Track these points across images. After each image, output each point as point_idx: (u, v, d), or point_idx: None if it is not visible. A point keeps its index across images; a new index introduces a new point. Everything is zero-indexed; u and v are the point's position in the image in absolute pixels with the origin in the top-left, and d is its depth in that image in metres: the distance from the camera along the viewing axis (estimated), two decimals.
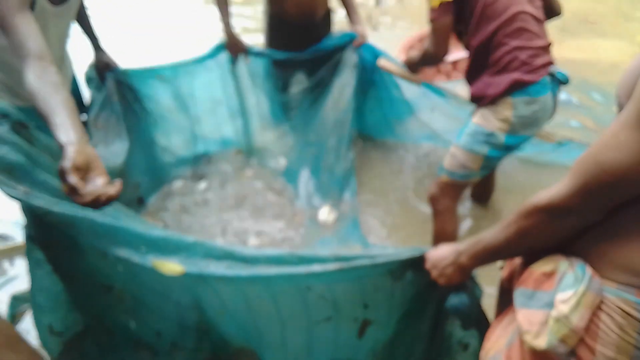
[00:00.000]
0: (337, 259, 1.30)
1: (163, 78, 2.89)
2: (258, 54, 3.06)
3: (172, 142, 3.15)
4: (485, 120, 2.07)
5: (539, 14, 2.11)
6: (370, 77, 3.18)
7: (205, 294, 1.50)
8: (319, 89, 3.15)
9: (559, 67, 2.10)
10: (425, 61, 2.40)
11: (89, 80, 2.63)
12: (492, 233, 1.11)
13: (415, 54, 2.50)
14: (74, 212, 1.31)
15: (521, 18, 2.00)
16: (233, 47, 2.96)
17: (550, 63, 2.07)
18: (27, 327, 2.11)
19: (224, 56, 3.01)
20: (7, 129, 1.43)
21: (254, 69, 3.13)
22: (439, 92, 3.00)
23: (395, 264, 1.32)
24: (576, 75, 4.20)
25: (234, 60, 3.03)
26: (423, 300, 1.42)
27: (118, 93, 2.60)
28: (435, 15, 2.08)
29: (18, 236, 2.66)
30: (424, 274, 1.32)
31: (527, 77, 1.96)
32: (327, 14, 3.15)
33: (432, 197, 2.37)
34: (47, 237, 1.57)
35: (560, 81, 2.09)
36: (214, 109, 3.23)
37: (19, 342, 1.49)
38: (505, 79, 1.98)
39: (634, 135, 0.82)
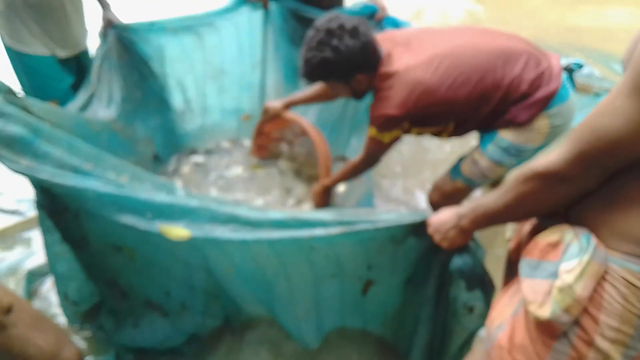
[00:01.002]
0: (340, 222, 1.31)
1: (171, 31, 2.75)
2: (280, 1, 2.97)
3: (181, 104, 3.04)
4: (519, 136, 1.90)
5: (518, 40, 1.93)
6: None
7: (213, 253, 1.53)
8: None
9: (571, 57, 1.96)
10: (353, 175, 2.31)
11: (101, 38, 2.63)
12: (493, 197, 1.11)
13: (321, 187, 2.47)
14: (78, 183, 1.31)
15: (512, 59, 1.83)
16: None
17: (557, 60, 1.91)
18: (43, 305, 2.20)
19: (243, 10, 2.92)
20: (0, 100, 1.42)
21: (275, 18, 3.04)
22: None
23: (396, 228, 1.32)
24: (597, 47, 4.02)
25: (254, 5, 2.91)
26: (426, 264, 1.43)
27: (117, 49, 2.52)
28: (384, 147, 2.02)
29: (31, 212, 2.68)
30: (425, 238, 1.33)
31: (553, 86, 1.81)
32: None
33: (437, 202, 2.25)
34: (54, 205, 1.59)
35: (573, 70, 1.95)
36: (225, 70, 3.10)
37: (44, 321, 1.52)
38: (535, 103, 1.81)
39: (629, 103, 0.81)
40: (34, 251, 2.47)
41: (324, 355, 1.96)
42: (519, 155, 1.97)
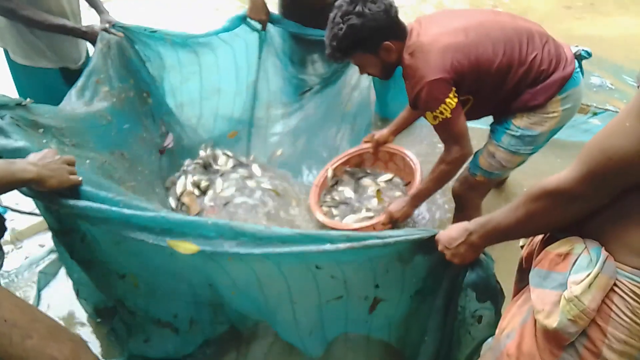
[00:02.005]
0: (348, 239, 1.29)
1: (171, 42, 2.67)
2: (280, 22, 2.89)
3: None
4: (533, 123, 1.93)
5: (529, 24, 1.97)
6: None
7: (216, 273, 1.52)
8: (333, 78, 3.06)
9: (581, 45, 2.00)
10: (449, 175, 2.07)
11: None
12: (503, 214, 1.11)
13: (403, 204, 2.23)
14: (83, 204, 1.33)
15: (526, 33, 1.88)
16: (256, 10, 2.75)
17: (568, 47, 1.97)
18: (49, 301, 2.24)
19: (242, 28, 2.82)
20: (8, 121, 1.47)
21: (274, 39, 3.00)
22: None
23: (404, 244, 1.31)
24: (607, 58, 3.98)
25: (255, 26, 2.84)
26: (436, 279, 1.43)
27: (117, 46, 2.39)
28: (455, 121, 1.87)
29: None
30: (434, 254, 1.33)
31: (569, 69, 1.86)
32: None
33: (460, 195, 2.24)
34: (61, 225, 1.60)
35: (583, 57, 2.01)
36: (221, 89, 3.03)
37: (60, 331, 1.49)
38: (552, 83, 1.85)
39: (638, 124, 0.81)
40: (49, 252, 2.50)
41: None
42: (533, 142, 1.98)
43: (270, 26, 2.90)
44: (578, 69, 1.93)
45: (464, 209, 2.27)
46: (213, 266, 1.46)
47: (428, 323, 1.53)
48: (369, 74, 2.12)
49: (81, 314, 2.19)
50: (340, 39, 1.85)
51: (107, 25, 2.37)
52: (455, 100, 1.84)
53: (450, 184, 2.23)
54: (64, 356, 1.41)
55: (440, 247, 1.28)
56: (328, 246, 1.28)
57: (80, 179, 1.37)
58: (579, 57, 1.98)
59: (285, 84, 3.20)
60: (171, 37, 2.63)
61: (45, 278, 2.38)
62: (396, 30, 1.89)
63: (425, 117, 1.93)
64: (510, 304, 1.25)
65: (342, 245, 1.27)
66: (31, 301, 2.23)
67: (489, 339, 1.39)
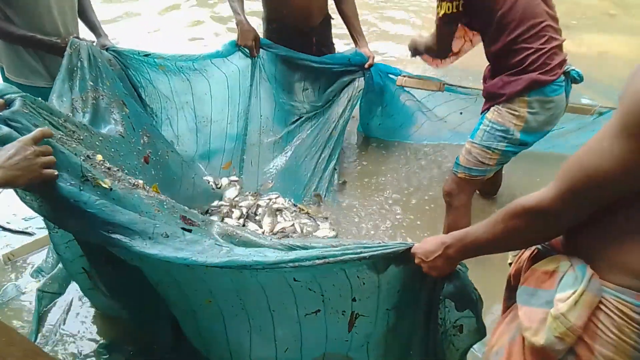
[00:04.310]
0: (324, 255, 1.27)
1: (164, 69, 2.66)
2: (270, 47, 2.91)
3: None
4: (500, 117, 2.02)
5: (554, 12, 2.02)
6: (379, 96, 3.20)
7: (192, 283, 1.50)
8: (325, 107, 3.12)
9: (574, 65, 2.03)
10: (428, 53, 2.49)
11: None
12: (481, 229, 1.10)
13: (421, 41, 2.51)
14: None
15: (541, 21, 1.93)
16: (245, 35, 2.77)
17: (564, 61, 2.00)
18: (50, 330, 2.13)
19: (236, 54, 2.85)
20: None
21: (265, 65, 3.00)
22: (462, 92, 2.96)
23: (379, 257, 1.28)
24: (595, 77, 3.93)
25: (247, 52, 2.85)
26: (413, 291, 1.39)
27: (85, 51, 2.20)
28: (439, 24, 2.14)
29: (40, 232, 2.62)
30: (408, 266, 1.32)
31: (545, 78, 1.91)
32: (326, 19, 3.08)
33: (448, 193, 2.31)
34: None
35: (574, 79, 2.03)
36: (214, 119, 3.02)
37: (37, 355, 1.44)
38: (523, 80, 1.93)
39: (617, 143, 0.81)
40: (43, 271, 2.39)
41: None
42: (504, 138, 2.05)
43: (261, 52, 2.91)
44: (561, 84, 1.96)
45: (452, 208, 2.33)
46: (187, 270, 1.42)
47: (410, 340, 1.49)
48: None
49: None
50: None
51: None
52: (453, 10, 2.02)
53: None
54: None
55: (417, 261, 1.26)
56: (304, 262, 1.26)
57: (55, 173, 1.23)
58: (567, 75, 2.00)
59: (276, 109, 3.20)
60: (164, 60, 2.61)
61: (48, 297, 2.23)
62: None
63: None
64: (499, 321, 1.23)
65: (318, 262, 1.25)
66: (29, 323, 2.12)
67: (474, 349, 1.37)
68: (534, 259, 1.11)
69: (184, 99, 2.84)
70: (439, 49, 2.29)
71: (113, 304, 1.95)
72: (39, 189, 1.26)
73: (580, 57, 4.57)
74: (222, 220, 2.62)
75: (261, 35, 2.97)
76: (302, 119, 3.18)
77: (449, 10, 2.01)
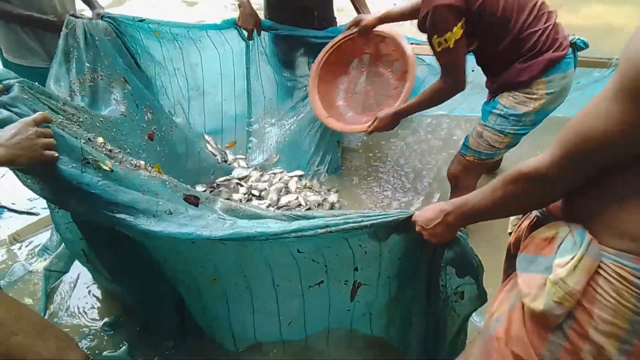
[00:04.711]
0: (326, 224, 1.28)
1: (159, 35, 2.60)
2: (271, 28, 2.83)
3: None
4: (517, 101, 1.96)
5: None
6: None
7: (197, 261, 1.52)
8: None
9: (577, 34, 1.99)
10: (437, 100, 2.18)
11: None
12: (480, 195, 1.10)
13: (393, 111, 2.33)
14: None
15: (535, 2, 1.90)
16: (246, 19, 2.70)
17: (566, 35, 1.97)
18: (57, 307, 2.17)
19: (233, 32, 2.80)
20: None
21: (266, 46, 2.96)
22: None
23: (380, 225, 1.30)
24: (601, 49, 3.93)
25: (244, 34, 2.80)
26: (414, 259, 1.42)
27: (80, 30, 2.15)
28: (453, 56, 1.93)
29: (45, 211, 2.64)
30: (409, 234, 1.33)
31: (559, 54, 1.87)
32: None
33: (454, 176, 2.27)
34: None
35: (580, 47, 1.99)
36: (206, 91, 2.99)
37: (46, 328, 1.45)
38: (539, 62, 1.88)
39: (614, 105, 0.80)
40: (49, 249, 2.43)
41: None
42: (519, 122, 1.99)
43: (263, 34, 2.86)
44: (571, 56, 1.92)
45: (458, 190, 2.28)
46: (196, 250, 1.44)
47: (412, 309, 1.52)
48: None
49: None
50: None
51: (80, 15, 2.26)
52: (461, 32, 1.86)
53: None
54: (50, 353, 1.39)
55: (417, 228, 1.27)
56: (307, 232, 1.27)
57: (56, 154, 1.23)
58: (574, 46, 1.97)
59: (279, 89, 3.17)
60: (159, 26, 2.56)
61: (54, 276, 2.26)
62: None
63: (431, 43, 1.93)
64: (499, 289, 1.23)
65: (320, 231, 1.26)
66: (37, 301, 2.17)
67: (475, 320, 1.39)
68: (533, 227, 1.11)
69: (175, 66, 2.80)
70: (456, 80, 2.03)
71: (115, 287, 1.98)
72: (40, 171, 1.27)
73: (585, 30, 4.47)
74: (230, 195, 2.66)
75: (262, 11, 2.93)
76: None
77: (458, 35, 1.88)
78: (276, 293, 1.60)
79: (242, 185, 2.75)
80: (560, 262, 0.94)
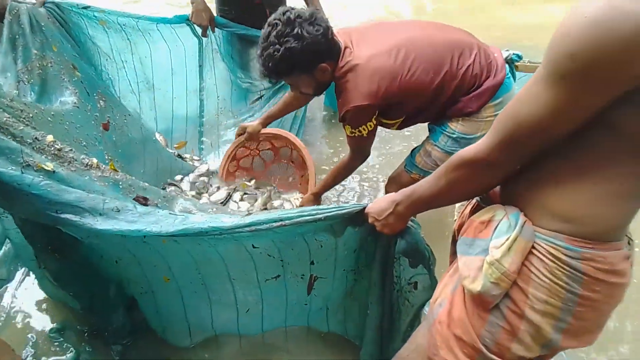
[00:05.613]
0: (280, 218, 1.28)
1: (105, 25, 2.48)
2: (225, 26, 2.79)
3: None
4: (469, 127, 1.94)
5: (454, 30, 1.99)
6: None
7: (150, 256, 1.48)
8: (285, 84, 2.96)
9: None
10: (347, 175, 2.26)
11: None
12: (426, 184, 1.13)
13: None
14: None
15: (458, 42, 1.89)
16: (200, 15, 2.64)
17: (499, 51, 1.98)
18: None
19: (185, 28, 2.72)
20: None
21: (220, 44, 2.90)
22: None
23: (335, 219, 1.31)
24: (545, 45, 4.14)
25: (197, 31, 2.74)
26: (369, 251, 1.44)
27: (25, 16, 2.02)
28: (367, 140, 1.97)
29: None
30: (364, 227, 1.35)
31: (499, 77, 1.88)
32: None
33: (395, 190, 2.23)
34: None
35: (515, 61, 2.03)
36: (156, 86, 2.87)
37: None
38: (484, 92, 1.87)
39: (544, 89, 0.82)
40: None
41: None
42: (469, 144, 1.97)
43: (217, 31, 2.81)
44: (509, 75, 1.94)
45: None
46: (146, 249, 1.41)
47: (367, 302, 1.53)
48: (301, 93, 2.07)
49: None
50: (277, 61, 1.74)
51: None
52: (374, 123, 1.90)
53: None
54: None
55: (370, 220, 1.29)
56: (261, 225, 1.27)
57: None
58: (510, 62, 2.00)
59: (233, 89, 3.12)
60: (105, 15, 2.43)
61: None
62: (332, 52, 1.84)
63: (344, 128, 1.95)
64: (444, 273, 1.26)
65: (275, 224, 1.26)
66: None
67: (427, 310, 1.42)
68: (474, 212, 1.14)
69: (124, 58, 2.67)
70: (364, 156, 2.11)
71: (60, 293, 1.91)
72: None
73: (539, 28, 4.60)
74: (207, 193, 2.62)
75: (213, 5, 2.87)
76: (264, 96, 3.10)
77: (371, 127, 1.91)
78: (232, 286, 1.59)
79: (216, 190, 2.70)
80: (495, 243, 0.97)
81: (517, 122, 0.88)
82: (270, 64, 1.77)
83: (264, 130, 2.64)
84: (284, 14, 1.74)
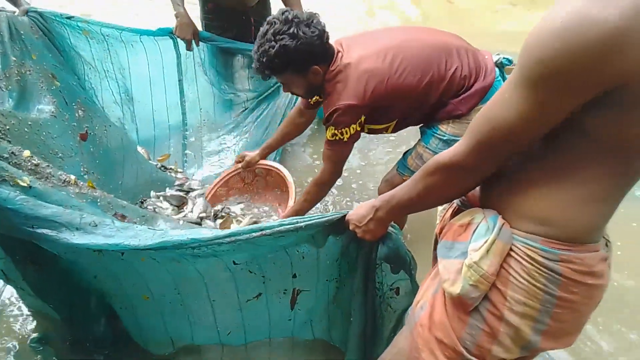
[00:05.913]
0: (261, 228, 1.27)
1: (88, 35, 2.47)
2: (209, 40, 2.80)
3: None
4: (460, 130, 1.94)
5: (443, 34, 2.00)
6: None
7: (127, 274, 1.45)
8: (270, 95, 3.04)
9: (501, 52, 2.02)
10: (321, 196, 2.19)
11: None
12: (404, 189, 1.13)
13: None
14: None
15: (445, 46, 1.90)
16: (184, 29, 2.66)
17: (489, 56, 2.00)
18: None
19: (167, 41, 2.75)
20: None
21: (203, 57, 2.92)
22: None
23: (316, 228, 1.30)
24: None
25: (178, 45, 2.76)
26: (351, 259, 1.43)
27: (4, 23, 2.01)
28: (346, 146, 1.94)
29: None
30: (345, 235, 1.35)
31: (489, 80, 1.90)
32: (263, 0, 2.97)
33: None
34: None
35: (506, 65, 2.04)
36: (135, 98, 2.86)
37: None
38: (473, 94, 1.89)
39: (516, 93, 0.82)
40: None
41: None
42: None
43: (201, 45, 2.81)
44: (499, 77, 1.96)
45: None
46: (123, 266, 1.37)
47: (350, 309, 1.53)
48: (292, 93, 2.08)
49: None
50: (271, 57, 1.76)
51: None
52: (358, 129, 1.89)
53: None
54: None
55: (351, 227, 1.29)
56: (241, 236, 1.25)
57: None
58: (500, 66, 2.02)
59: (216, 102, 3.11)
60: (88, 25, 2.43)
61: None
62: (325, 56, 1.84)
63: (326, 130, 1.93)
64: (426, 277, 1.26)
65: (255, 234, 1.25)
66: None
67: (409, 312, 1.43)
68: (454, 216, 1.15)
69: (106, 68, 2.66)
70: (337, 171, 2.05)
71: (40, 304, 1.86)
72: None
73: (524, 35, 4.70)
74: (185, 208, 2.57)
75: (198, 18, 2.89)
76: (248, 109, 3.11)
77: (353, 132, 1.89)
78: (212, 308, 1.57)
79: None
80: (474, 246, 0.98)
81: (491, 126, 0.88)
82: (264, 60, 1.80)
83: (261, 163, 2.67)
84: (282, 13, 1.77)
